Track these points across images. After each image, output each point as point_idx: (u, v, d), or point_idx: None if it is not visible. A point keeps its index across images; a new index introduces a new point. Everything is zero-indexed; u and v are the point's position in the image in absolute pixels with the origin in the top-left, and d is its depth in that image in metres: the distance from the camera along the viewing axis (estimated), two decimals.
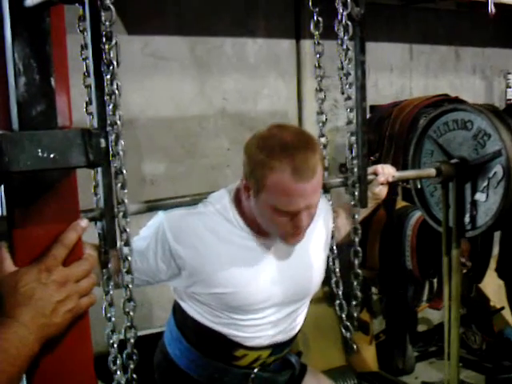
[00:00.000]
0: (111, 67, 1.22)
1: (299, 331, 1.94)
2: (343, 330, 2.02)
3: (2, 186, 1.07)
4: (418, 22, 4.33)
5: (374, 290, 3.84)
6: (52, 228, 1.09)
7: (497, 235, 3.37)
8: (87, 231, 1.16)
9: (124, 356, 1.41)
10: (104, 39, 1.20)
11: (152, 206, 1.71)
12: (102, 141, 1.09)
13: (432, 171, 2.48)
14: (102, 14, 1.19)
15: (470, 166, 2.55)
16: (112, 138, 1.25)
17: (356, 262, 1.96)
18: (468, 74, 4.67)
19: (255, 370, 1.86)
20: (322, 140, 1.94)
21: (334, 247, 1.99)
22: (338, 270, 2.00)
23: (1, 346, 0.97)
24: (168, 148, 3.44)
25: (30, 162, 1.00)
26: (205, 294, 1.74)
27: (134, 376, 1.42)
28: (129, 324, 1.39)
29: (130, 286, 1.40)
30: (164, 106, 3.40)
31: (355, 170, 1.95)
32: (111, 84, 1.23)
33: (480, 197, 2.53)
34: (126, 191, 1.34)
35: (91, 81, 1.23)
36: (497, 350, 3.95)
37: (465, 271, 3.17)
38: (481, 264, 3.37)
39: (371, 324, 3.77)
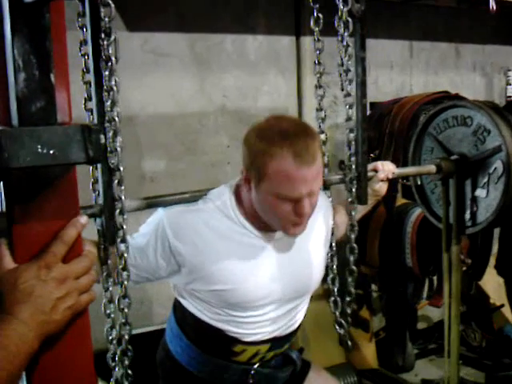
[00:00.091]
0: (110, 63, 1.22)
1: (299, 327, 1.94)
2: (337, 327, 2.03)
3: (2, 182, 1.06)
4: (418, 19, 4.33)
5: (373, 287, 3.84)
6: (52, 224, 1.09)
7: (496, 232, 3.37)
8: (86, 228, 1.15)
9: (118, 352, 1.41)
10: (103, 35, 1.19)
11: (152, 203, 1.71)
12: (102, 137, 1.09)
13: (432, 168, 2.49)
14: (102, 9, 1.19)
15: (470, 162, 2.55)
16: (110, 134, 1.25)
17: (351, 258, 1.97)
18: (468, 71, 4.67)
19: (255, 366, 1.86)
20: (322, 137, 1.93)
21: (333, 244, 1.99)
22: (335, 266, 2.00)
23: (0, 343, 0.97)
24: (168, 145, 3.44)
25: (30, 158, 1.00)
26: (204, 291, 1.74)
27: (129, 372, 1.42)
28: (124, 320, 1.39)
29: (126, 282, 1.40)
30: (164, 103, 3.40)
31: (353, 166, 1.95)
32: (109, 80, 1.22)
33: (480, 193, 2.53)
34: (123, 188, 1.33)
35: (91, 77, 1.23)
36: (496, 347, 3.95)
37: (464, 268, 3.17)
38: (481, 261, 3.37)
39: (371, 321, 3.78)
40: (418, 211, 3.29)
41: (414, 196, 2.92)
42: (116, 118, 1.25)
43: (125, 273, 1.39)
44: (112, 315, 1.40)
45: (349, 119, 1.94)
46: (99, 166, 1.31)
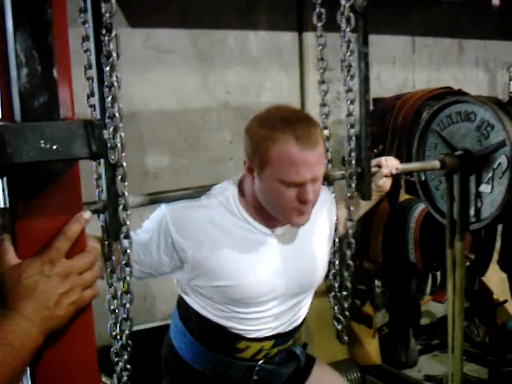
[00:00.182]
0: (111, 59, 1.22)
1: (302, 323, 1.94)
2: (335, 323, 2.03)
3: (5, 178, 1.06)
4: (420, 15, 4.32)
5: (377, 282, 3.83)
6: (55, 220, 1.09)
7: (499, 228, 3.36)
8: (90, 223, 1.15)
9: (118, 347, 1.41)
10: (104, 31, 1.19)
11: (155, 199, 1.71)
12: (105, 132, 1.09)
13: (436, 163, 2.48)
14: (103, 5, 1.19)
15: (474, 157, 2.55)
16: (111, 130, 1.25)
17: (348, 253, 1.98)
18: (471, 67, 4.66)
19: (259, 363, 1.86)
20: (325, 132, 1.93)
21: (336, 240, 1.99)
22: (337, 262, 2.00)
23: (4, 339, 0.97)
24: (171, 141, 3.44)
25: (33, 154, 1.00)
26: (207, 287, 1.74)
27: (128, 366, 1.43)
28: (125, 316, 1.40)
29: (128, 278, 1.40)
30: (167, 99, 3.40)
31: (353, 162, 1.95)
32: (110, 76, 1.22)
33: (485, 188, 2.53)
34: (126, 184, 1.33)
35: (93, 73, 1.24)
36: (500, 343, 3.95)
37: (468, 264, 3.17)
38: (484, 257, 3.36)
39: (374, 317, 3.78)
40: (421, 207, 3.29)
41: (417, 191, 2.92)
42: (117, 114, 1.25)
43: (128, 268, 1.39)
44: (116, 311, 1.41)
45: (350, 115, 1.94)
46: (102, 162, 1.32)
